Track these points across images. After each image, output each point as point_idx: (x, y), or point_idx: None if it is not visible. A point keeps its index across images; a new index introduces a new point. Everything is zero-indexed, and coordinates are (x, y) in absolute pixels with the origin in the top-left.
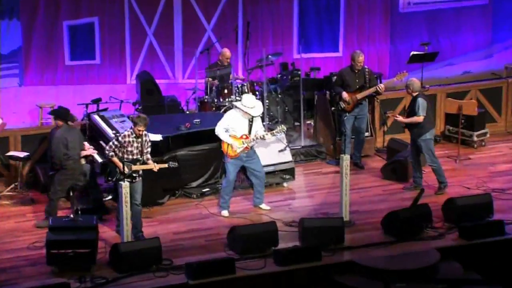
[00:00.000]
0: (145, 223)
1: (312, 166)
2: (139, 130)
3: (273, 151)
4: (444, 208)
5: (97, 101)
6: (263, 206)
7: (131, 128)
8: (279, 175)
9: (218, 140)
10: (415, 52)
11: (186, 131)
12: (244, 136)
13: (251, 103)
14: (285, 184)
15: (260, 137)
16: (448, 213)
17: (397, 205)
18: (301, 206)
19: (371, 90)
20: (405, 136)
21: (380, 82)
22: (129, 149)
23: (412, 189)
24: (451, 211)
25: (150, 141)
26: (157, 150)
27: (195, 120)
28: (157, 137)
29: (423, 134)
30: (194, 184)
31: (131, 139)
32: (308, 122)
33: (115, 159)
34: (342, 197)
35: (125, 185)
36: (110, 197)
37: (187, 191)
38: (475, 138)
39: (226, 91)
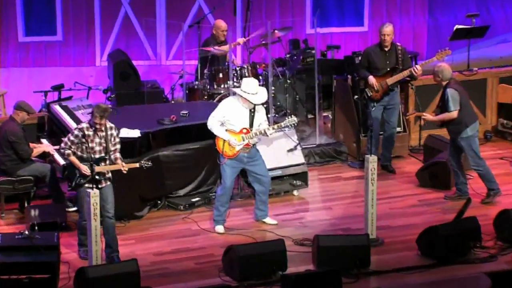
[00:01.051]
0: (120, 241)
1: (329, 169)
2: (96, 123)
3: (281, 151)
4: (496, 222)
5: (58, 87)
6: (268, 220)
7: (89, 120)
8: (288, 181)
9: (212, 136)
10: (460, 26)
11: (171, 125)
12: (245, 130)
13: (252, 89)
14: (295, 193)
15: (264, 132)
16: (502, 228)
17: (437, 219)
18: (315, 220)
19: (405, 73)
20: (446, 132)
21: (416, 63)
22: (90, 145)
23: (455, 199)
24: (505, 227)
25: (118, 135)
26: (134, 150)
27: (182, 112)
28: (134, 133)
29: (462, 131)
30: (181, 192)
31: (91, 133)
32: (325, 114)
33: (73, 158)
34: (368, 209)
35: (93, 193)
36: (75, 208)
37: (172, 202)
38: None
39: (221, 75)
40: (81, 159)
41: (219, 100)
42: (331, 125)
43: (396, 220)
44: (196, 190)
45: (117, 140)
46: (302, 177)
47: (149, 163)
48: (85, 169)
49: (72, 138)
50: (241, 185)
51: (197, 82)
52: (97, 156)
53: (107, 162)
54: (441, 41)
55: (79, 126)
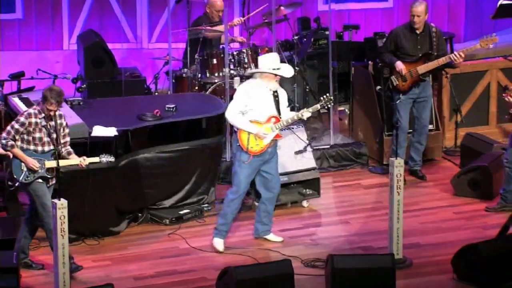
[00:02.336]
0: (93, 262)
1: (346, 175)
2: (49, 110)
3: (288, 153)
4: None
5: (18, 76)
6: (271, 236)
7: (37, 104)
8: (297, 190)
9: (204, 135)
10: (505, 2)
11: (155, 122)
12: (273, 119)
13: (275, 62)
14: (305, 204)
15: (299, 117)
16: None
17: (476, 236)
18: (329, 236)
19: (441, 61)
20: (489, 130)
21: (451, 47)
22: (37, 135)
23: (499, 210)
24: None
25: (67, 126)
26: (110, 152)
27: (168, 106)
28: (110, 132)
29: None
30: (167, 203)
31: (38, 120)
32: (341, 108)
33: (17, 151)
34: (393, 224)
35: (60, 204)
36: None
37: (156, 214)
38: None
39: (215, 61)
40: (24, 152)
41: (213, 91)
42: (349, 121)
43: (427, 237)
44: (185, 201)
45: (67, 131)
46: (313, 185)
47: (112, 158)
48: (32, 163)
49: (17, 126)
50: None
51: (185, 70)
52: (46, 148)
53: (55, 156)
54: (482, 20)
55: (26, 112)
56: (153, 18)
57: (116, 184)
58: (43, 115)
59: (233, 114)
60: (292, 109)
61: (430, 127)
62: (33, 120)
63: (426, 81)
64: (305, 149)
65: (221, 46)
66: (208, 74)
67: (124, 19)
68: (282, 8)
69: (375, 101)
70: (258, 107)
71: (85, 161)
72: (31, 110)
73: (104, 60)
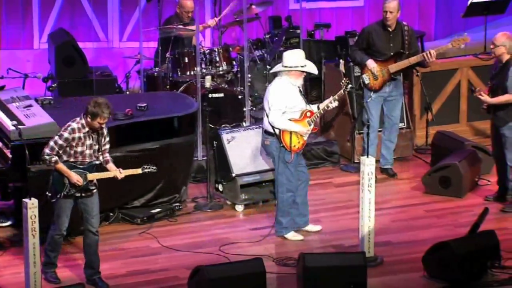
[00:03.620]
0: (64, 261)
1: (318, 174)
2: (100, 124)
3: (258, 152)
4: None
5: None
6: (311, 227)
7: (81, 118)
8: (268, 188)
9: (176, 134)
10: (475, 0)
11: (126, 121)
12: (308, 114)
13: (302, 59)
14: (276, 202)
15: (327, 107)
16: None
17: (448, 234)
18: (301, 235)
19: (413, 60)
20: (459, 128)
21: (422, 45)
22: (79, 149)
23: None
24: None
25: (108, 134)
26: None
27: (139, 105)
28: None
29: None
30: (138, 202)
31: (82, 135)
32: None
33: (61, 166)
34: (364, 222)
35: (31, 203)
36: (9, 222)
37: (128, 214)
38: None
39: (187, 60)
40: (69, 166)
41: (185, 90)
42: (320, 120)
43: (399, 235)
44: (156, 200)
45: (108, 139)
46: None
47: (154, 167)
48: (77, 178)
49: (60, 142)
50: (211, 193)
51: (157, 69)
52: (87, 160)
53: (95, 167)
54: (452, 18)
55: (70, 128)
56: (124, 17)
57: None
58: (86, 129)
59: (278, 118)
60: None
61: (401, 125)
62: (76, 135)
63: (397, 80)
64: None
65: (192, 46)
66: (179, 73)
67: (95, 18)
68: (253, 7)
69: (347, 99)
70: (294, 105)
71: (122, 173)
72: (74, 125)
73: (75, 59)
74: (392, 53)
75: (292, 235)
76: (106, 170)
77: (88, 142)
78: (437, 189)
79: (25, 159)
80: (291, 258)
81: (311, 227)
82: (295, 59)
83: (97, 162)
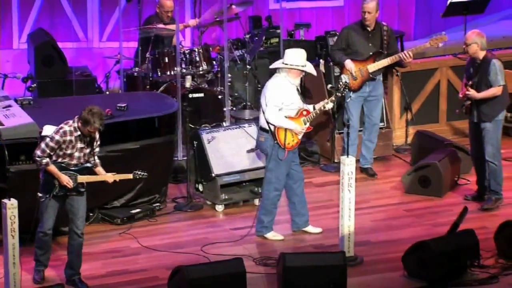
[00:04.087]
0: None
1: None
2: (91, 132)
3: (238, 151)
4: (497, 236)
5: None
6: (310, 228)
7: (73, 121)
8: (248, 188)
9: (156, 134)
10: (455, 0)
11: (106, 121)
12: (305, 112)
13: (303, 59)
14: (257, 202)
15: (323, 107)
16: (504, 244)
17: (427, 233)
18: (281, 234)
19: (391, 60)
20: (439, 128)
21: (402, 45)
22: (68, 151)
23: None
24: (508, 241)
25: (99, 139)
26: None
27: (119, 105)
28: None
29: (497, 114)
30: (118, 202)
31: (73, 138)
32: None
33: (52, 168)
34: (344, 221)
35: (10, 204)
36: None
37: (107, 214)
38: None
39: (167, 60)
40: (60, 168)
41: (165, 90)
42: None
43: (378, 235)
44: (136, 200)
45: (98, 143)
46: None
47: (145, 173)
48: (67, 180)
49: (52, 144)
50: (191, 193)
51: (137, 69)
52: (74, 162)
53: (87, 170)
54: (431, 18)
55: (62, 130)
56: (104, 17)
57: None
58: (78, 133)
59: (274, 114)
60: (244, 108)
61: (381, 125)
62: (68, 138)
63: (377, 80)
64: (257, 148)
65: (172, 45)
66: (159, 73)
67: (75, 18)
68: (233, 6)
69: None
70: (291, 102)
71: (112, 178)
72: (66, 128)
73: (55, 59)
74: (371, 53)
75: (272, 235)
76: (95, 173)
77: (79, 145)
78: (417, 189)
79: (5, 159)
80: (271, 258)
81: (311, 228)
82: (297, 58)
83: (88, 165)
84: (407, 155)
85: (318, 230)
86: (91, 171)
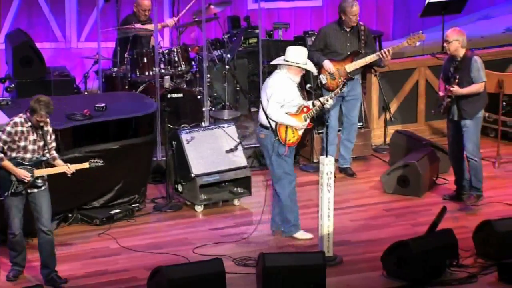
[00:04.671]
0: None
1: None
2: (39, 121)
3: (218, 151)
4: (476, 235)
5: None
6: (301, 234)
7: (24, 113)
8: (228, 188)
9: (135, 134)
10: (433, 0)
11: (84, 121)
12: (305, 109)
13: (304, 57)
14: (236, 202)
15: (323, 104)
16: (483, 243)
17: (406, 233)
18: (261, 235)
19: (371, 58)
20: (417, 127)
21: (380, 45)
22: (22, 143)
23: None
24: (486, 241)
25: (53, 132)
26: None
27: (97, 105)
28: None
29: (478, 111)
30: (97, 203)
31: (24, 129)
32: None
33: (6, 163)
34: (324, 221)
35: None
36: None
37: (86, 214)
38: None
39: (145, 60)
40: (14, 162)
41: (144, 90)
42: None
43: (358, 234)
44: (115, 201)
45: (53, 137)
46: (244, 184)
47: (101, 161)
48: (24, 174)
49: (4, 137)
50: (170, 194)
51: (115, 69)
52: (28, 156)
53: (44, 163)
54: (410, 18)
55: (12, 122)
56: (82, 17)
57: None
58: (29, 123)
59: (276, 111)
60: (223, 108)
61: (359, 124)
62: (19, 129)
63: (355, 80)
64: (236, 148)
65: (150, 46)
66: (138, 73)
67: (53, 18)
68: (212, 6)
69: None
70: (292, 99)
71: (70, 168)
72: (17, 119)
73: (33, 59)
74: (349, 53)
75: (301, 234)
76: (54, 166)
77: (32, 137)
78: (396, 188)
79: None
80: (251, 258)
81: (301, 234)
82: (298, 55)
83: (44, 158)
84: (386, 155)
85: (309, 236)
86: (49, 165)
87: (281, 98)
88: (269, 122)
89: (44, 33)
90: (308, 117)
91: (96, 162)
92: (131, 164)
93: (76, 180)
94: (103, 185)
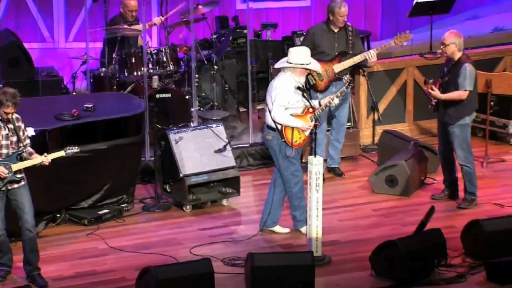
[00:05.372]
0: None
1: (266, 173)
2: (7, 113)
3: (206, 151)
4: (464, 235)
5: None
6: (278, 228)
7: None
8: (217, 189)
9: (123, 135)
10: (421, 0)
11: (73, 122)
12: (311, 110)
13: (307, 57)
14: (225, 202)
15: (329, 104)
16: (471, 243)
17: (395, 233)
18: (249, 235)
19: (356, 59)
20: (406, 127)
21: (368, 45)
22: None
23: (444, 198)
24: (475, 240)
25: (26, 128)
26: None
27: (86, 105)
28: (27, 132)
29: (463, 117)
30: (86, 203)
31: None
32: (260, 107)
33: None
34: (312, 221)
35: None
36: None
37: (75, 215)
38: None
39: (133, 60)
40: None
41: (132, 90)
42: None
43: (346, 234)
44: (104, 201)
45: (26, 133)
46: (233, 184)
47: (76, 148)
48: (1, 170)
49: None
50: (158, 194)
51: (104, 69)
52: (4, 151)
53: (20, 158)
54: (398, 18)
55: None
56: (70, 17)
57: (33, 184)
58: None
59: (280, 113)
60: (211, 108)
61: (348, 124)
62: None
63: (344, 80)
64: (224, 148)
65: (138, 46)
66: (126, 73)
67: (41, 18)
68: (200, 7)
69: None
70: (296, 101)
71: (47, 157)
72: None
73: (21, 60)
74: (336, 53)
75: (304, 230)
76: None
77: (3, 132)
78: (384, 188)
79: None
80: (239, 258)
81: (278, 228)
82: (301, 56)
83: (20, 152)
84: (374, 155)
85: (286, 230)
86: (25, 159)
87: (285, 101)
88: (275, 123)
89: (32, 34)
90: (314, 118)
91: (72, 149)
92: (119, 165)
93: (65, 180)
94: (92, 186)
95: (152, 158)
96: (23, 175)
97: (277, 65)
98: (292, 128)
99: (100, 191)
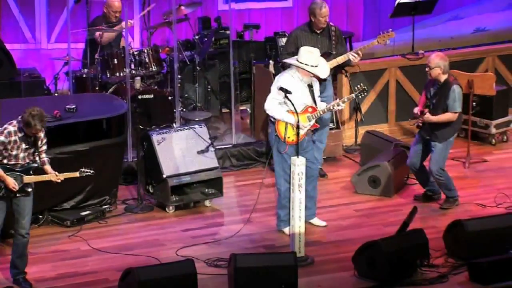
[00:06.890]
0: None
1: (248, 174)
2: (34, 134)
3: (189, 152)
4: (446, 235)
5: None
6: (316, 220)
7: (17, 122)
8: (199, 189)
9: (105, 136)
10: (403, 0)
11: (54, 123)
12: (310, 109)
13: (314, 60)
14: (207, 203)
15: (333, 107)
16: (453, 243)
17: (377, 233)
18: (232, 236)
19: (341, 59)
20: (388, 128)
21: (351, 46)
22: (14, 152)
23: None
24: (457, 241)
25: (45, 137)
26: None
27: (68, 106)
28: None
29: (449, 137)
30: (68, 204)
31: (17, 138)
32: (243, 108)
33: None
34: (295, 222)
35: None
36: None
37: (57, 216)
38: (494, 130)
39: (116, 61)
40: (3, 168)
41: (114, 91)
42: (250, 121)
43: (329, 235)
44: (86, 202)
45: (44, 141)
46: (215, 184)
47: (92, 170)
48: (13, 184)
49: None
50: (141, 195)
51: (86, 70)
52: (20, 162)
53: (33, 169)
54: (380, 18)
55: (6, 131)
56: (52, 18)
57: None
58: (22, 133)
59: (271, 106)
60: (194, 109)
61: (330, 125)
62: (12, 138)
63: (327, 81)
64: (207, 149)
65: (121, 47)
66: (108, 74)
67: (22, 19)
68: (182, 7)
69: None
70: (295, 98)
71: (58, 176)
72: (11, 128)
73: (3, 60)
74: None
75: (288, 230)
76: (43, 171)
77: (23, 146)
78: (366, 189)
79: None
80: (222, 259)
81: (316, 221)
82: (308, 57)
83: (35, 165)
84: (357, 155)
85: (324, 223)
86: (37, 171)
87: (280, 95)
88: (270, 116)
89: (13, 34)
90: (312, 118)
91: (87, 171)
92: (101, 166)
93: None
94: (74, 187)
95: (135, 159)
96: (33, 187)
97: (286, 60)
98: (286, 123)
99: (83, 192)
